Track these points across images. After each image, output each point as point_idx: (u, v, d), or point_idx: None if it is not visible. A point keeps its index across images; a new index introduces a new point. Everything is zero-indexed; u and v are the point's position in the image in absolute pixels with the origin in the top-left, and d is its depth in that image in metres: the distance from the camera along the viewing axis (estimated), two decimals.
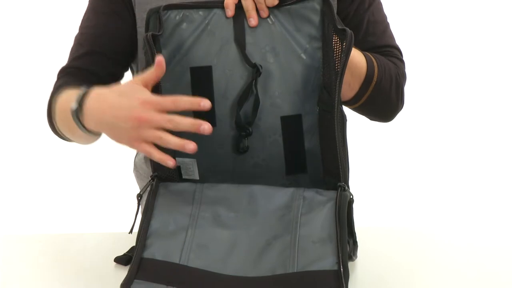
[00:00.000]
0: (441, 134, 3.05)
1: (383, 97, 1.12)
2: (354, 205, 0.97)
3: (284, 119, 0.97)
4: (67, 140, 1.14)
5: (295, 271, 0.85)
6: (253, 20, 0.97)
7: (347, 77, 1.03)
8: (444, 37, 3.05)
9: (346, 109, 1.08)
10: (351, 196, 0.93)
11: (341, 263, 0.85)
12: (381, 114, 1.18)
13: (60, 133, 1.10)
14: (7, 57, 3.05)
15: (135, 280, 0.86)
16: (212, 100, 0.97)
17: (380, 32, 1.18)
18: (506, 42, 3.13)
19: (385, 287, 0.96)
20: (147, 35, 0.93)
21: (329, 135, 0.95)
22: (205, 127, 0.80)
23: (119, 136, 0.86)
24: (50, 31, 2.93)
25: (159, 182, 0.96)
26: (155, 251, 0.89)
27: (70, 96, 0.97)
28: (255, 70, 0.95)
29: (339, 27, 0.93)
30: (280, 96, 0.97)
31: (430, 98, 3.05)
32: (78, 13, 1.22)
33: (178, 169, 0.99)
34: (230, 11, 0.97)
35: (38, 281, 0.98)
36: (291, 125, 0.98)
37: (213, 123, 0.97)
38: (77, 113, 0.91)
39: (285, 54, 0.97)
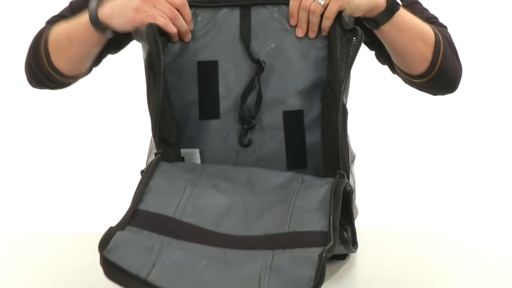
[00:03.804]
0: (445, 130, 3.04)
1: (451, 61, 1.11)
2: (357, 204, 0.97)
3: (286, 114, 1.00)
4: (48, 78, 1.14)
5: (286, 231, 0.87)
6: (301, 32, 0.99)
7: (419, 47, 1.06)
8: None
9: (348, 105, 1.07)
10: (350, 188, 0.94)
11: (331, 226, 0.86)
12: (450, 82, 1.15)
13: (46, 64, 1.12)
14: (7, 57, 3.05)
15: (127, 227, 0.86)
16: (217, 93, 1.01)
17: (419, 10, 1.17)
18: (506, 42, 3.13)
19: (385, 287, 0.96)
20: (152, 25, 0.95)
21: (332, 130, 0.97)
22: (188, 36, 1.00)
23: (126, 12, 0.99)
24: None
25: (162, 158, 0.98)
26: (150, 205, 0.89)
27: (77, 17, 1.08)
28: (258, 66, 0.98)
29: (346, 28, 0.97)
30: (283, 92, 1.00)
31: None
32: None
33: (182, 160, 1.01)
34: (294, 20, 1.00)
35: (38, 281, 0.98)
36: (293, 120, 1.00)
37: (217, 116, 1.00)
38: (96, 9, 1.02)
39: (290, 52, 0.99)
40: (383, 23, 1.03)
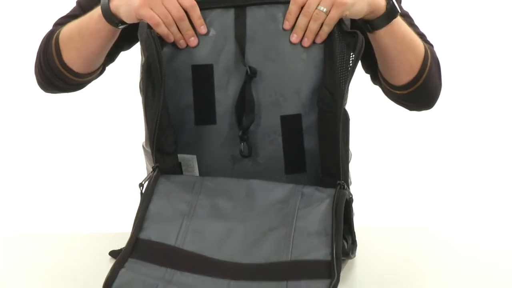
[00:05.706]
0: (445, 130, 3.04)
1: (434, 79, 1.11)
2: (354, 204, 0.97)
3: (284, 119, 0.98)
4: (60, 78, 1.11)
5: (289, 259, 0.86)
6: (296, 38, 0.97)
7: (409, 58, 1.04)
8: (444, 37, 3.04)
9: (348, 104, 1.07)
10: (350, 196, 0.93)
11: (334, 254, 0.85)
12: (429, 99, 1.14)
13: (58, 63, 1.09)
14: (7, 57, 3.06)
15: (129, 259, 0.86)
16: (213, 98, 0.98)
17: (408, 24, 1.15)
18: (506, 42, 3.13)
19: (385, 287, 0.96)
20: (151, 31, 0.94)
21: (330, 135, 0.95)
22: (194, 40, 0.97)
23: (133, 2, 0.96)
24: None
25: (160, 173, 0.97)
26: (151, 234, 0.89)
27: (89, 13, 1.05)
28: (246, 73, 0.96)
29: (346, 30, 0.95)
30: (280, 96, 0.98)
31: None
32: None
33: (179, 165, 1.00)
34: (289, 24, 0.97)
35: (38, 281, 0.98)
36: (290, 124, 0.98)
37: (213, 121, 0.99)
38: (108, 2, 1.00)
39: (287, 54, 0.97)
40: (380, 27, 1.01)
